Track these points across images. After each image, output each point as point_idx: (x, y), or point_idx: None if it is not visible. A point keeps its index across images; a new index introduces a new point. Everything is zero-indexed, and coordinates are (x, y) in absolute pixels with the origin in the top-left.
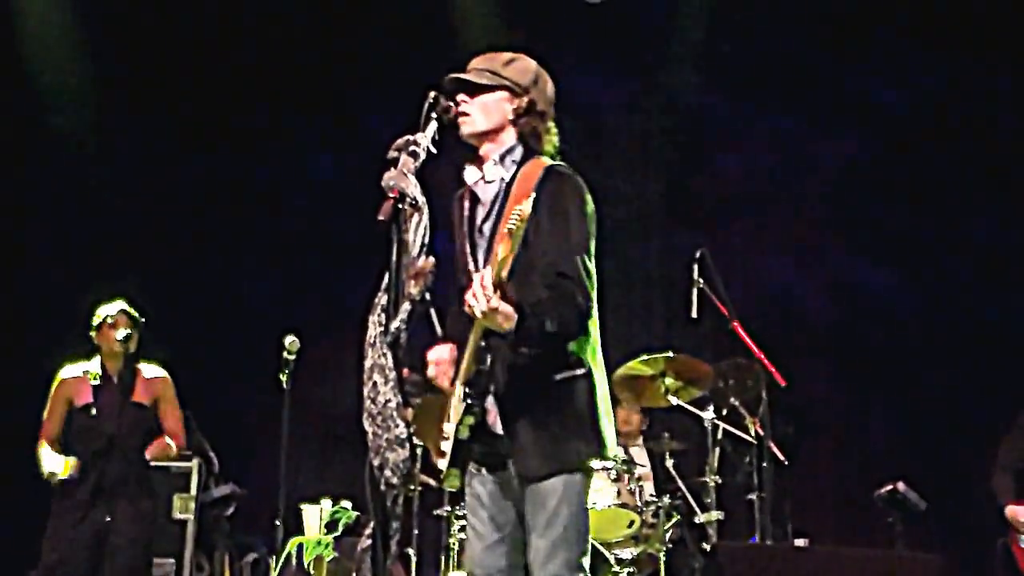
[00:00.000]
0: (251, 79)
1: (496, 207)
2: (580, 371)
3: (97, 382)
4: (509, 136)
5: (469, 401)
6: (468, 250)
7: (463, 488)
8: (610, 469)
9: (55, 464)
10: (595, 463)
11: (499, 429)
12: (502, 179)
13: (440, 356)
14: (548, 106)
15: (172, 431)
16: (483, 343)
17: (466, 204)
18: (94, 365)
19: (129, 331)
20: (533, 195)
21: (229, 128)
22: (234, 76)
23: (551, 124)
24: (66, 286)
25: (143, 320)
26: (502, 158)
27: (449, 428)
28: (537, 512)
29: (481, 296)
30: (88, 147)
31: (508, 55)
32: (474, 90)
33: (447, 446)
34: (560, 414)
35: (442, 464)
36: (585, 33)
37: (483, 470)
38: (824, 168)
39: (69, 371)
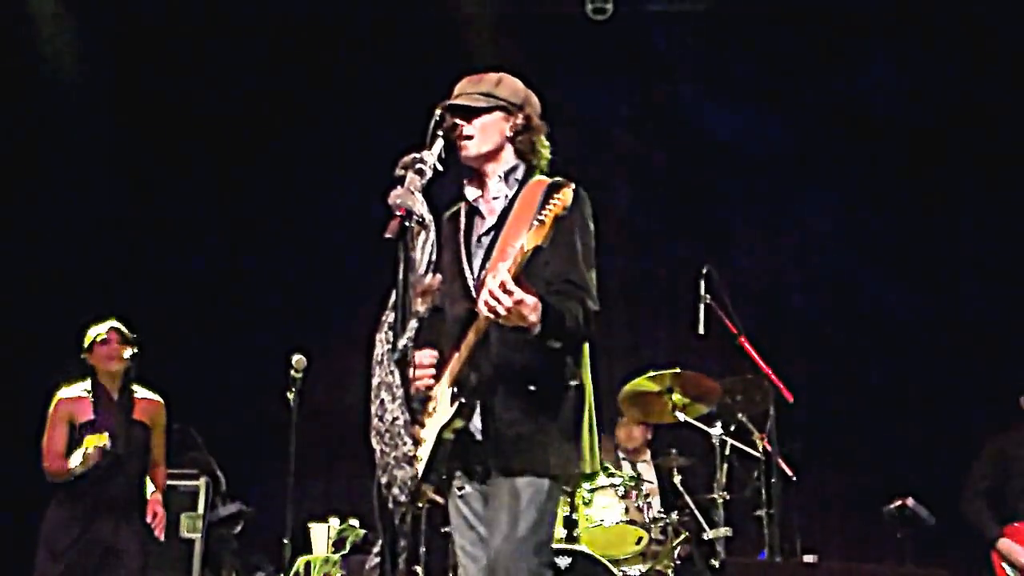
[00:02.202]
0: (257, 97)
1: (499, 221)
2: (572, 383)
3: (95, 399)
4: (508, 154)
5: (462, 401)
6: (464, 259)
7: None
8: (618, 486)
9: (74, 460)
10: (601, 480)
11: (479, 435)
12: (506, 196)
13: (424, 360)
14: (539, 119)
15: (157, 460)
16: (479, 346)
17: (463, 219)
18: (88, 386)
19: (119, 345)
20: (573, 185)
21: (236, 146)
22: (241, 94)
23: (543, 137)
24: (72, 306)
25: (135, 337)
26: (506, 176)
27: (426, 433)
28: (501, 511)
29: (502, 294)
30: (95, 164)
31: (495, 75)
32: (471, 114)
33: (423, 451)
34: (545, 421)
35: (417, 468)
36: (589, 48)
37: (467, 487)
38: (829, 181)
39: (67, 391)
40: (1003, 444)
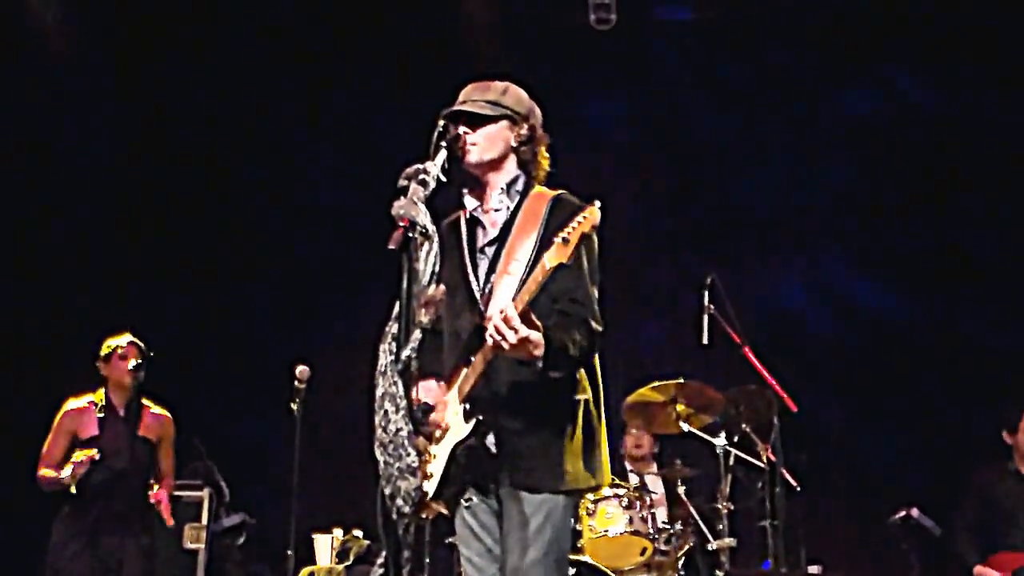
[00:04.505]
0: (261, 106)
1: (502, 233)
2: (581, 396)
3: (102, 414)
4: (511, 165)
5: (479, 419)
6: (470, 270)
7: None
8: (622, 496)
9: (65, 471)
10: (606, 491)
11: (493, 449)
12: (508, 208)
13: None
14: (541, 131)
15: (166, 472)
16: (492, 361)
17: (463, 229)
18: (99, 397)
19: (140, 361)
20: (598, 203)
21: (239, 156)
22: (244, 103)
23: (544, 148)
24: (76, 315)
25: (151, 353)
26: (507, 188)
27: (438, 448)
28: (518, 530)
29: (507, 329)
30: (97, 175)
31: (501, 84)
32: (477, 121)
33: (434, 468)
34: (557, 436)
35: (428, 486)
36: (593, 58)
37: (474, 499)
38: (834, 192)
39: (74, 403)
40: (988, 479)
